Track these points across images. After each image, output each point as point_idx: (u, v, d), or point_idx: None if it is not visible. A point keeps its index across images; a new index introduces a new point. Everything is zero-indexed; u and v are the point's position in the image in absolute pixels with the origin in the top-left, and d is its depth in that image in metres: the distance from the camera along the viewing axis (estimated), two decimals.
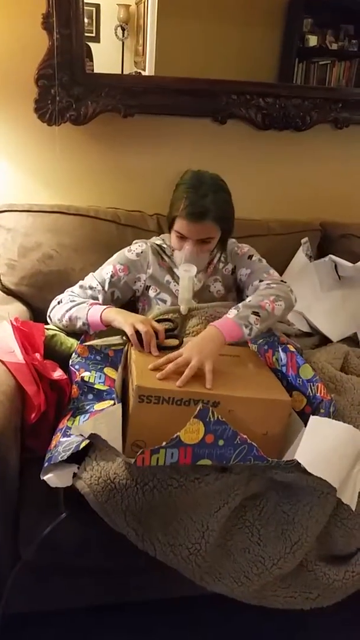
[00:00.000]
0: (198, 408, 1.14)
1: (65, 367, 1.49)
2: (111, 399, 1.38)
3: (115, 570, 1.37)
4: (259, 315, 1.46)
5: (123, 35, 1.92)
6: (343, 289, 1.97)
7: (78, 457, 1.24)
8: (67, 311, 1.57)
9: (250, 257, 1.72)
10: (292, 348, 1.46)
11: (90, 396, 1.43)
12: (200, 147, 2.04)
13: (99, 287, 1.64)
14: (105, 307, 1.52)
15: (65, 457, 1.21)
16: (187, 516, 1.23)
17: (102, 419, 1.24)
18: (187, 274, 1.56)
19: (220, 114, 2.00)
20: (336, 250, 2.03)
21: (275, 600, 1.30)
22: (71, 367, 1.49)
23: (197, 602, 1.43)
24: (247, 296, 1.61)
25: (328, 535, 1.31)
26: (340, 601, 1.34)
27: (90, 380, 1.45)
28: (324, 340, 1.87)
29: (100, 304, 1.57)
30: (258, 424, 1.27)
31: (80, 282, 1.67)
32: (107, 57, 1.93)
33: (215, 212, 1.54)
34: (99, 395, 1.43)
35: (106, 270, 1.67)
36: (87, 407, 1.39)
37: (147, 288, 1.69)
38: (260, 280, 1.64)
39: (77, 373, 1.47)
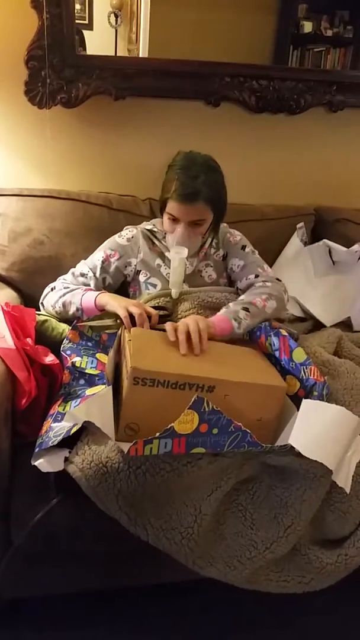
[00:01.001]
0: (193, 399, 1.13)
1: (57, 353, 1.48)
2: (103, 384, 1.37)
3: (108, 556, 1.37)
4: (248, 311, 1.48)
5: (116, 23, 1.89)
6: (337, 274, 1.96)
7: (69, 441, 1.23)
8: (60, 297, 1.56)
9: (243, 247, 1.71)
10: (284, 332, 1.45)
11: (81, 381, 1.42)
12: (193, 130, 2.02)
13: (91, 274, 1.63)
14: (99, 292, 1.52)
15: (56, 443, 1.20)
16: (179, 500, 1.23)
17: (93, 403, 1.23)
18: (178, 256, 1.54)
19: (214, 97, 1.98)
20: (330, 235, 2.02)
21: (268, 584, 1.30)
22: (62, 352, 1.48)
23: (191, 587, 1.43)
24: (239, 289, 1.62)
25: (321, 519, 1.31)
26: (334, 586, 1.33)
27: (81, 366, 1.44)
28: (318, 325, 1.87)
29: (93, 290, 1.56)
30: (253, 410, 1.27)
31: (72, 270, 1.66)
32: (100, 44, 1.89)
33: (207, 193, 1.52)
34: (91, 380, 1.42)
35: (97, 256, 1.66)
36: (79, 392, 1.38)
37: (137, 273, 1.68)
38: (256, 276, 1.63)
39: (68, 358, 1.45)
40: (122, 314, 1.40)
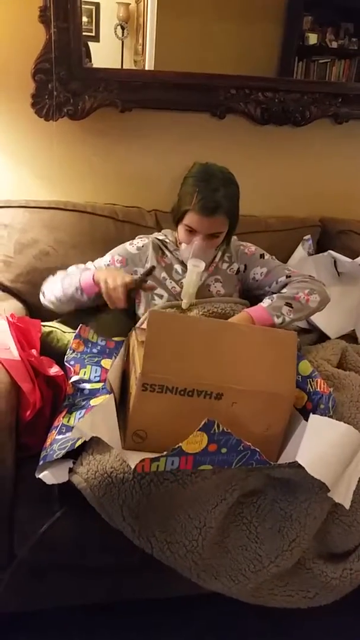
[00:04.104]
0: (203, 422, 1.12)
1: (61, 364, 1.48)
2: (107, 394, 1.36)
3: (112, 568, 1.36)
4: (292, 307, 1.51)
5: (123, 34, 1.91)
6: (342, 285, 1.95)
7: (73, 452, 1.23)
8: (60, 280, 1.60)
9: (261, 255, 1.72)
10: None
11: (85, 392, 1.42)
12: (199, 142, 2.02)
13: (93, 270, 1.62)
14: (98, 269, 1.58)
15: (60, 456, 1.20)
16: (184, 512, 1.22)
17: (97, 415, 1.23)
18: (195, 269, 1.54)
19: (219, 109, 1.99)
20: (335, 246, 2.02)
21: (272, 599, 1.29)
22: (66, 363, 1.48)
23: (194, 601, 1.42)
24: (272, 293, 1.62)
25: (326, 533, 1.30)
26: (338, 601, 1.32)
27: (85, 377, 1.44)
28: (322, 337, 1.86)
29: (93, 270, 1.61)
30: (260, 417, 1.25)
31: (78, 264, 1.70)
32: (106, 56, 1.91)
33: (227, 206, 1.53)
34: (94, 391, 1.42)
35: (104, 259, 1.68)
36: (83, 404, 1.38)
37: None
38: (288, 276, 1.64)
39: (72, 369, 1.46)
40: (102, 288, 1.47)
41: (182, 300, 1.58)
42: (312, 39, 2.07)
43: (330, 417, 1.30)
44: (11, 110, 1.86)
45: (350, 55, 2.11)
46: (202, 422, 1.12)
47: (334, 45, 2.09)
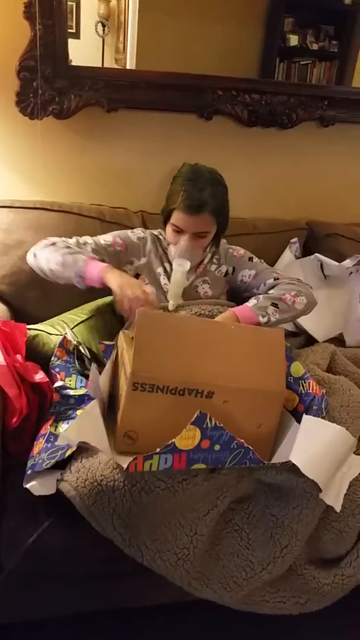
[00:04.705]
0: (195, 415, 1.12)
1: (47, 368, 1.45)
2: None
3: (103, 577, 1.34)
4: (277, 307, 1.50)
5: (103, 32, 1.88)
6: (328, 289, 1.96)
7: (61, 460, 1.21)
8: (61, 255, 1.48)
9: (250, 258, 1.72)
10: None
11: (71, 400, 1.40)
12: (186, 143, 2.01)
13: (94, 246, 1.59)
14: (105, 264, 1.47)
15: (50, 466, 1.18)
16: (175, 520, 1.21)
17: (83, 420, 1.21)
18: (180, 268, 1.53)
19: (206, 110, 1.97)
20: (322, 249, 2.02)
21: (264, 605, 1.29)
22: (51, 369, 1.46)
23: (185, 608, 1.40)
24: (259, 294, 1.61)
25: (317, 539, 1.30)
26: (330, 606, 1.32)
27: (70, 385, 1.42)
28: (310, 341, 1.86)
29: (98, 259, 1.52)
30: (252, 415, 1.25)
31: (77, 237, 1.62)
32: (87, 54, 1.87)
33: (213, 205, 1.53)
34: (80, 400, 1.40)
35: (105, 237, 1.64)
36: (69, 413, 1.36)
37: (136, 276, 1.66)
38: (276, 279, 1.64)
39: (57, 376, 1.44)
40: (117, 294, 1.40)
41: (169, 301, 1.56)
42: (293, 40, 2.07)
43: (324, 418, 1.31)
44: None
45: (331, 58, 2.12)
46: (195, 415, 1.11)
47: (315, 47, 2.10)
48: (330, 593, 1.30)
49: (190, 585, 1.23)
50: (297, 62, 2.09)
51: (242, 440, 1.15)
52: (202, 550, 1.22)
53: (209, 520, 1.22)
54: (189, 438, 1.12)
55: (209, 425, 1.13)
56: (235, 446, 1.15)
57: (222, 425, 1.13)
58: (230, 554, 1.25)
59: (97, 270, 1.44)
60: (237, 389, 1.23)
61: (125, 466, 1.12)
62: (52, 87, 1.78)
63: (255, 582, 1.24)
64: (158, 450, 1.11)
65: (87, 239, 1.62)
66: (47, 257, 1.51)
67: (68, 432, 1.17)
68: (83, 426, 1.19)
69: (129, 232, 1.68)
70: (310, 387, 1.35)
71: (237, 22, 1.98)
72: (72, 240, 1.58)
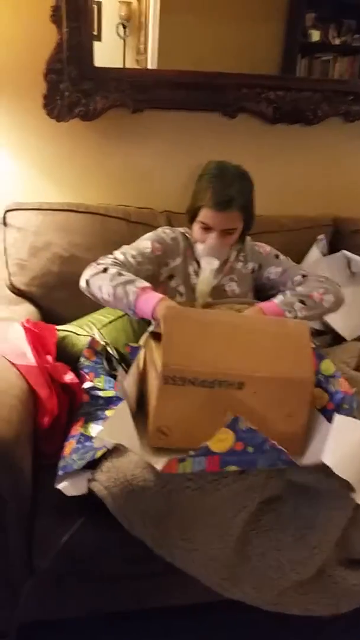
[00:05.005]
0: (229, 420, 1.12)
1: (77, 369, 1.47)
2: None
3: (133, 577, 1.35)
4: (304, 304, 1.50)
5: (124, 33, 1.89)
6: (356, 286, 1.93)
7: (91, 460, 1.22)
8: (113, 287, 1.41)
9: (277, 256, 1.71)
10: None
11: (100, 401, 1.41)
12: (210, 141, 2.01)
13: (139, 258, 1.56)
14: (158, 297, 1.38)
15: (81, 467, 1.19)
16: (205, 521, 1.21)
17: (114, 421, 1.21)
18: (209, 267, 1.53)
19: (231, 108, 1.97)
20: (348, 246, 1.99)
21: (293, 606, 1.28)
22: (80, 370, 1.47)
23: (214, 608, 1.41)
24: (285, 291, 1.59)
25: (346, 539, 1.28)
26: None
27: (99, 386, 1.43)
28: (337, 339, 1.84)
29: (150, 288, 1.42)
30: (282, 404, 1.24)
31: (122, 250, 1.57)
32: (108, 55, 1.88)
33: (240, 201, 1.52)
34: (109, 400, 1.41)
35: (144, 245, 1.60)
36: (99, 413, 1.37)
37: (170, 277, 1.65)
38: (304, 276, 1.63)
39: (86, 377, 1.45)
40: None
41: (197, 299, 1.56)
42: (315, 35, 2.06)
43: (355, 417, 1.28)
44: (22, 111, 1.85)
45: (353, 52, 2.09)
46: (229, 419, 1.11)
47: (337, 42, 2.08)
48: None
49: (220, 586, 1.23)
50: (318, 57, 2.08)
51: (274, 442, 1.15)
52: (232, 551, 1.22)
53: (239, 521, 1.21)
54: (222, 440, 1.12)
55: (242, 427, 1.13)
56: (268, 448, 1.15)
57: (256, 428, 1.13)
58: (260, 554, 1.24)
59: (148, 307, 1.38)
60: (266, 379, 1.22)
61: (159, 468, 1.12)
62: (78, 89, 1.80)
63: (285, 583, 1.24)
64: (192, 453, 1.11)
65: (132, 250, 1.58)
66: (99, 285, 1.45)
67: (102, 434, 1.18)
68: (115, 427, 1.20)
69: (161, 233, 1.66)
70: (341, 386, 1.33)
71: (258, 19, 1.97)
72: (121, 257, 1.53)
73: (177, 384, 1.18)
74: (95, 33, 1.85)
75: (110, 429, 1.19)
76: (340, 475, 1.14)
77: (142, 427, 1.26)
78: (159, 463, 1.14)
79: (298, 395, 1.26)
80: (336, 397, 1.32)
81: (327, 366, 1.37)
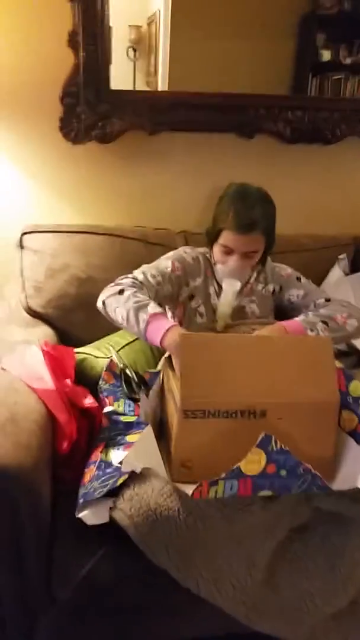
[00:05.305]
0: (260, 437, 1.09)
1: (96, 392, 1.44)
2: (141, 430, 1.32)
3: (155, 608, 1.30)
4: (327, 325, 1.47)
5: (135, 56, 1.91)
6: None
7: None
8: (126, 310, 1.37)
9: (298, 278, 1.69)
10: (338, 364, 1.39)
11: (120, 425, 1.38)
12: (228, 162, 2.01)
13: (159, 278, 1.53)
14: (167, 326, 1.33)
15: (102, 494, 1.16)
16: (231, 550, 1.16)
17: (140, 446, 1.20)
18: (231, 289, 1.51)
19: (248, 128, 1.97)
20: None
21: None
22: (100, 393, 1.45)
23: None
24: (308, 312, 1.58)
25: None
26: None
27: (119, 410, 1.40)
28: None
29: (161, 315, 1.37)
30: (309, 429, 1.22)
31: (142, 270, 1.54)
32: (119, 78, 1.88)
33: (263, 223, 1.50)
34: (129, 425, 1.38)
35: (164, 264, 1.58)
36: (119, 438, 1.35)
37: (190, 297, 1.62)
38: (327, 300, 1.60)
39: (106, 400, 1.42)
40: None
41: (217, 321, 1.54)
42: (326, 55, 2.06)
43: None
44: (39, 134, 1.86)
45: None
46: (260, 438, 1.08)
47: (348, 61, 2.08)
48: None
49: (248, 618, 1.18)
50: (329, 77, 2.08)
51: (309, 466, 1.11)
52: (259, 581, 1.17)
53: (267, 550, 1.17)
54: (254, 462, 1.09)
55: (274, 448, 1.10)
56: (302, 471, 1.12)
57: (287, 448, 1.10)
58: (289, 585, 1.19)
59: (157, 335, 1.34)
60: (290, 404, 1.20)
61: (190, 493, 1.09)
62: (95, 112, 1.81)
63: (317, 615, 1.19)
64: (223, 475, 1.08)
65: (152, 269, 1.55)
66: (115, 307, 1.42)
67: (129, 458, 1.16)
68: (141, 452, 1.18)
69: (182, 253, 1.64)
70: None
71: (268, 40, 1.98)
72: (140, 277, 1.50)
73: (197, 417, 1.16)
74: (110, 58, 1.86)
75: (136, 453, 1.17)
76: None
77: (166, 455, 1.23)
78: (189, 488, 1.10)
79: (324, 418, 1.23)
80: None
81: (356, 387, 1.33)
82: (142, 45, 1.91)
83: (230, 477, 1.08)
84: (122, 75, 1.91)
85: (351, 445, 1.26)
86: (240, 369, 1.20)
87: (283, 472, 1.11)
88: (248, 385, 1.19)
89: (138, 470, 1.17)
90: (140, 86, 1.96)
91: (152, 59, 1.92)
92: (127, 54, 1.90)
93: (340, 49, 2.06)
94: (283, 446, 1.10)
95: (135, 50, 1.90)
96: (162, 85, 1.91)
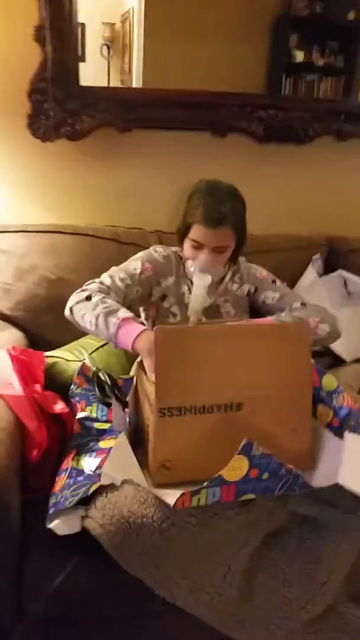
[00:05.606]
0: (242, 444, 1.06)
1: (67, 397, 1.41)
2: (114, 436, 1.29)
3: (131, 618, 1.26)
4: None
5: (108, 54, 1.89)
6: (353, 306, 1.90)
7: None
8: (94, 317, 1.35)
9: (274, 281, 1.67)
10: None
11: (93, 431, 1.35)
12: (200, 161, 1.98)
13: (128, 281, 1.50)
14: (139, 329, 1.31)
15: (73, 503, 1.12)
16: (208, 557, 1.14)
17: (115, 455, 1.16)
18: (201, 283, 1.47)
19: (221, 127, 1.96)
20: (344, 265, 1.98)
21: None
22: (71, 398, 1.41)
23: None
24: (281, 314, 1.56)
25: (357, 573, 1.21)
26: None
27: (92, 415, 1.37)
28: (337, 361, 1.79)
29: (132, 319, 1.35)
30: (285, 419, 1.20)
31: (110, 274, 1.51)
32: (92, 76, 1.87)
33: (232, 218, 1.48)
34: (102, 431, 1.35)
35: (133, 266, 1.55)
36: (91, 445, 1.31)
37: (163, 298, 1.60)
38: (303, 304, 1.58)
39: (77, 405, 1.39)
40: (148, 365, 1.28)
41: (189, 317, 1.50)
42: (299, 56, 2.08)
43: None
44: (6, 131, 1.81)
45: (337, 73, 2.12)
46: (242, 445, 1.06)
47: (320, 63, 2.10)
48: None
49: (225, 626, 1.17)
50: (303, 78, 2.09)
51: (292, 467, 1.10)
52: (236, 588, 1.15)
53: (243, 556, 1.15)
54: (236, 469, 1.07)
55: (256, 453, 1.07)
56: (285, 473, 1.10)
57: (270, 453, 1.08)
58: (266, 591, 1.17)
59: (129, 339, 1.32)
60: (265, 396, 1.18)
61: (171, 503, 1.06)
62: (64, 109, 1.77)
63: (294, 622, 1.17)
64: (205, 484, 1.05)
65: (120, 272, 1.52)
66: (82, 314, 1.39)
67: (107, 469, 1.13)
68: (117, 462, 1.15)
69: (152, 252, 1.61)
70: (345, 401, 1.29)
71: (242, 40, 1.98)
72: (108, 281, 1.48)
73: (174, 415, 1.14)
74: (79, 54, 1.84)
75: (112, 465, 1.14)
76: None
77: (142, 461, 1.20)
78: (170, 497, 1.07)
79: (298, 406, 1.22)
80: (341, 413, 1.28)
81: (329, 381, 1.33)
82: (116, 43, 1.89)
83: (212, 484, 1.06)
84: (96, 73, 1.89)
85: (329, 438, 1.26)
86: (216, 362, 1.18)
87: (265, 476, 1.09)
88: (223, 380, 1.17)
89: (118, 483, 1.14)
90: (114, 84, 1.94)
91: (126, 57, 1.91)
92: (101, 52, 1.88)
93: (314, 50, 2.08)
94: (265, 450, 1.08)
95: (109, 48, 1.89)
96: (136, 83, 1.90)
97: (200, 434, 1.16)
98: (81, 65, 1.84)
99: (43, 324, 1.72)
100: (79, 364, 1.48)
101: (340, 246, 2.04)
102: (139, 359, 1.40)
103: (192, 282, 1.56)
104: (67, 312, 1.45)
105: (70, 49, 1.72)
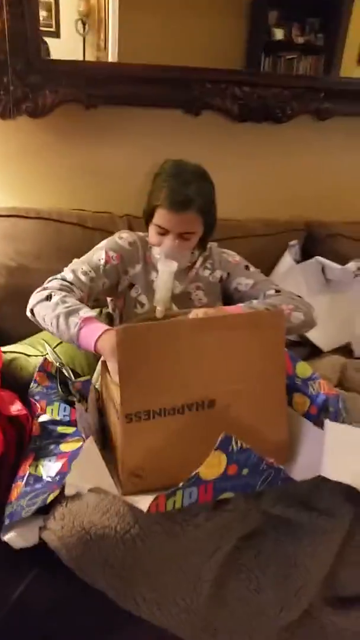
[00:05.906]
0: (219, 439, 1.00)
1: (26, 397, 1.32)
2: (77, 437, 1.22)
3: (97, 630, 1.19)
4: None
5: (84, 30, 1.82)
6: (332, 293, 1.85)
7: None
8: (55, 317, 1.30)
9: (246, 267, 1.59)
10: None
11: (54, 433, 1.27)
12: (173, 140, 1.89)
13: (92, 274, 1.43)
14: (101, 329, 1.25)
15: (30, 513, 1.05)
16: (176, 566, 1.08)
17: (82, 462, 1.08)
18: (167, 269, 1.39)
19: (194, 105, 1.87)
20: (322, 251, 1.92)
21: None
22: (30, 397, 1.33)
23: None
24: (253, 301, 1.49)
25: (334, 576, 1.17)
26: None
27: (54, 416, 1.29)
28: (314, 351, 1.73)
29: (94, 319, 1.29)
30: (260, 413, 1.16)
31: (72, 268, 1.44)
32: (67, 52, 1.81)
33: (199, 202, 1.40)
34: (64, 435, 1.27)
35: (97, 256, 1.47)
36: (52, 448, 1.23)
37: (130, 286, 1.51)
38: (277, 291, 1.51)
39: (37, 405, 1.30)
40: (111, 367, 1.21)
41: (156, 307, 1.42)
42: (279, 34, 2.03)
43: (344, 420, 1.22)
44: None
45: (317, 51, 2.06)
46: (219, 439, 1.00)
47: (300, 40, 2.05)
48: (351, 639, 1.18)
49: (197, 637, 1.12)
50: (282, 56, 2.04)
51: (272, 460, 1.04)
52: (207, 597, 1.10)
53: (214, 563, 1.10)
54: (213, 466, 1.00)
55: (235, 448, 1.01)
56: (265, 467, 1.04)
57: (248, 447, 1.02)
58: (238, 598, 1.13)
59: (91, 340, 1.25)
60: (237, 390, 1.13)
61: (145, 508, 0.99)
62: (25, 83, 1.66)
63: (269, 630, 1.13)
64: (181, 484, 0.98)
65: (83, 265, 1.44)
66: (43, 315, 1.33)
67: (72, 479, 1.05)
68: (84, 469, 1.08)
69: (117, 239, 1.53)
70: (322, 387, 1.24)
71: (221, 16, 1.91)
72: (70, 276, 1.40)
73: (142, 420, 1.08)
74: (53, 30, 1.77)
75: (79, 472, 1.07)
76: (354, 486, 1.06)
77: (112, 468, 1.14)
78: (143, 503, 1.00)
79: (273, 396, 1.18)
80: (318, 400, 1.25)
81: (304, 369, 1.28)
82: (91, 18, 1.82)
83: (188, 485, 0.99)
84: (71, 49, 1.82)
85: (308, 427, 1.22)
86: (184, 359, 1.12)
87: (245, 471, 1.03)
88: (193, 377, 1.11)
89: (84, 492, 1.07)
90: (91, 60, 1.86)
91: (102, 34, 1.83)
92: (77, 28, 1.80)
93: (293, 28, 2.03)
94: (244, 444, 1.02)
95: (84, 24, 1.81)
96: (111, 59, 1.82)
97: (173, 437, 1.10)
98: (56, 41, 1.78)
99: (3, 316, 1.63)
100: (41, 359, 1.39)
101: (318, 231, 1.98)
102: (102, 358, 1.32)
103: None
104: (28, 313, 1.38)
105: (30, 18, 1.60)
